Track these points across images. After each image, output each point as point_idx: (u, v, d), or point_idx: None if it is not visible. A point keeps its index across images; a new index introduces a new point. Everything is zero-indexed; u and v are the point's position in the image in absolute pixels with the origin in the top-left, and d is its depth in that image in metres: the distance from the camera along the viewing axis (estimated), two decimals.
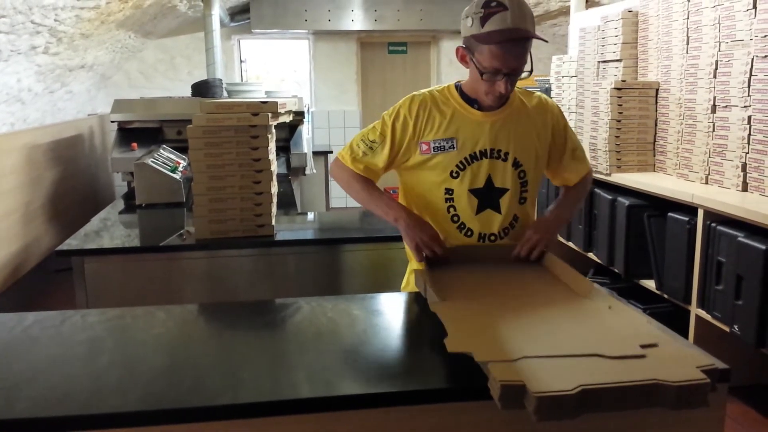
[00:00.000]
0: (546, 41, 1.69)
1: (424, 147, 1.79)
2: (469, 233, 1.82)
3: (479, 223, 1.81)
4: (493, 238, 1.83)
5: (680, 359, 1.22)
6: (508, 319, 1.43)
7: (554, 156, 1.90)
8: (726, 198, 2.83)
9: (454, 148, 1.77)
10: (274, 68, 7.63)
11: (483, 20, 1.63)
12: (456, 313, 1.45)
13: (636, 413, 1.20)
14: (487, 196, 1.80)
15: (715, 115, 3.13)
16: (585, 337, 1.32)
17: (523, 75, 1.72)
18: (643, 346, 1.25)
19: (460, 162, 1.78)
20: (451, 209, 1.81)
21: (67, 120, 5.53)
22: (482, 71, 1.69)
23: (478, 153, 1.78)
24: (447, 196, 1.81)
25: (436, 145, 1.78)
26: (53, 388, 1.26)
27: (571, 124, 4.38)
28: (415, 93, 1.84)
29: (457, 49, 1.75)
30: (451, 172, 1.78)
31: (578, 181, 1.99)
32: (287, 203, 3.44)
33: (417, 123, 1.79)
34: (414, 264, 1.94)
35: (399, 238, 1.88)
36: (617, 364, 1.21)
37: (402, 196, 1.93)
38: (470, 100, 1.79)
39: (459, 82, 1.84)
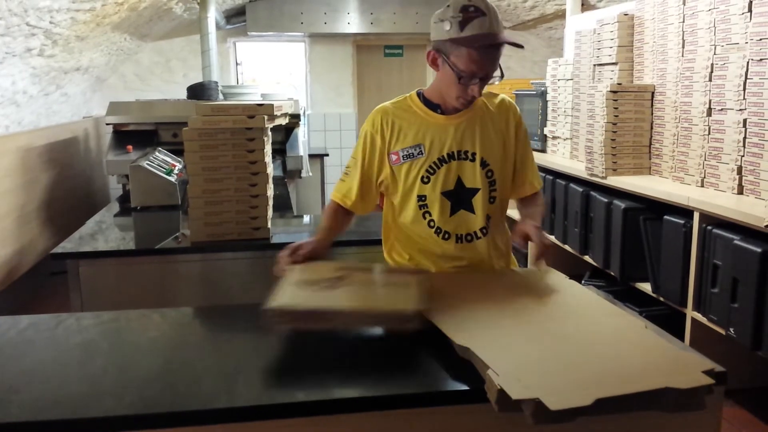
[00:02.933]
0: (521, 47, 1.70)
1: (394, 158, 1.82)
2: (446, 236, 1.83)
3: (454, 224, 1.83)
4: (469, 238, 1.84)
5: (679, 364, 1.22)
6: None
7: (516, 159, 1.90)
8: (722, 201, 2.83)
9: (422, 154, 1.80)
10: (269, 71, 7.62)
11: (462, 24, 1.64)
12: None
13: (633, 415, 1.20)
14: (459, 198, 1.82)
15: (710, 118, 3.14)
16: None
17: (495, 81, 1.74)
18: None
19: (430, 167, 1.80)
20: (426, 215, 1.83)
21: (62, 122, 5.52)
22: (460, 74, 1.70)
23: (446, 156, 1.80)
24: (420, 203, 1.82)
25: (405, 153, 1.81)
26: (48, 392, 1.26)
27: (567, 126, 4.40)
28: (377, 108, 1.87)
29: (428, 53, 1.76)
30: (422, 177, 1.80)
31: (533, 195, 1.96)
32: (283, 206, 3.43)
33: (383, 136, 1.82)
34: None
35: None
36: (616, 370, 1.20)
37: (385, 206, 1.95)
38: (432, 106, 1.82)
39: (421, 89, 1.87)
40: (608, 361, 1.25)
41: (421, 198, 1.81)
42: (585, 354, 1.29)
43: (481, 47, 1.65)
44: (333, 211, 1.92)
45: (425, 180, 1.80)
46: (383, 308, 1.43)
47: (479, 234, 1.84)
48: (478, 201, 1.82)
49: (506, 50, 1.70)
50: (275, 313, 1.37)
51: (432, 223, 1.82)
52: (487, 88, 1.80)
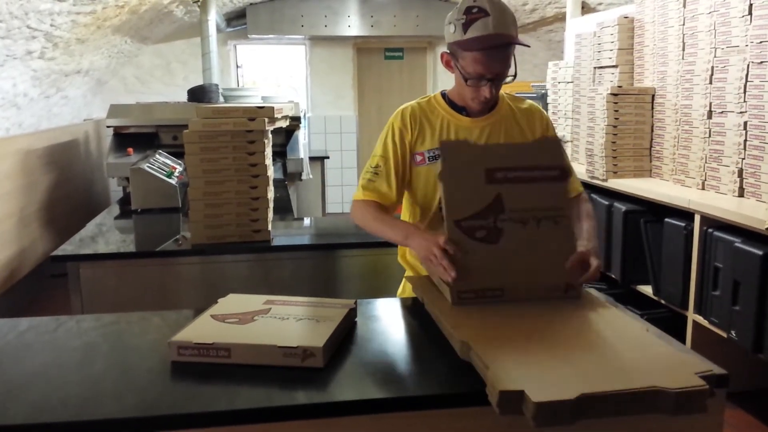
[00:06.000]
0: (528, 46, 1.69)
1: (419, 158, 1.80)
2: None
3: None
4: None
5: (679, 365, 1.22)
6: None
7: None
8: (722, 203, 2.83)
9: None
10: (270, 73, 7.63)
11: (465, 26, 1.63)
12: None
13: (634, 419, 1.19)
14: None
15: (711, 120, 3.14)
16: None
17: (508, 79, 1.72)
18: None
19: None
20: None
21: (63, 125, 5.52)
22: (467, 77, 1.69)
23: None
24: (441, 204, 1.80)
25: (430, 155, 1.79)
26: (48, 394, 1.26)
27: (568, 129, 4.40)
28: (403, 106, 1.84)
29: (442, 55, 1.76)
30: None
31: (580, 201, 1.87)
32: (283, 208, 3.43)
33: (412, 134, 1.80)
34: (409, 271, 1.94)
35: (394, 244, 1.87)
36: (616, 371, 1.20)
37: (403, 209, 1.94)
38: (458, 108, 1.80)
39: (445, 90, 1.85)
40: (602, 360, 1.25)
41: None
42: (580, 353, 1.29)
43: (484, 49, 1.63)
44: (376, 208, 1.80)
45: None
46: (275, 344, 1.35)
47: None
48: None
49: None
50: (177, 346, 1.38)
51: None
52: (508, 89, 1.80)
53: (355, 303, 1.62)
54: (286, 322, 1.50)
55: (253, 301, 1.62)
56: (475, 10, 1.62)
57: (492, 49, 1.63)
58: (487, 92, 1.70)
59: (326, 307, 1.58)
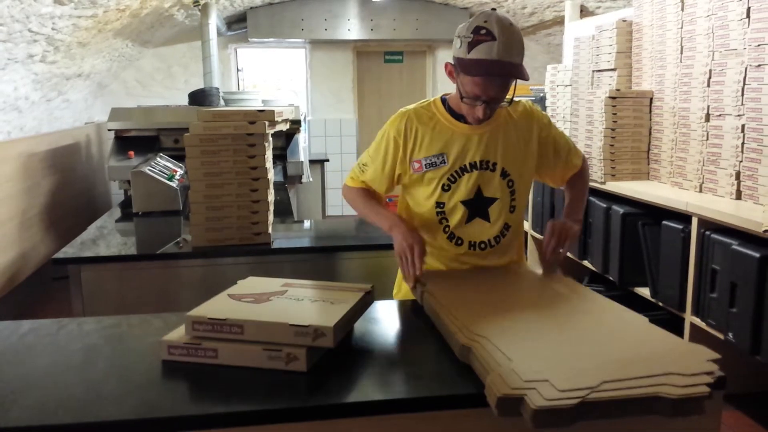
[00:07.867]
0: (527, 80, 1.68)
1: (416, 165, 1.81)
2: (459, 242, 1.84)
3: (469, 232, 1.83)
4: (483, 246, 1.84)
5: (688, 353, 1.26)
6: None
7: (546, 163, 1.90)
8: (720, 206, 2.84)
9: (445, 162, 1.79)
10: (270, 77, 7.65)
11: (470, 46, 1.62)
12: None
13: (632, 420, 1.20)
14: (476, 206, 1.82)
15: (708, 123, 3.15)
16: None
17: (503, 104, 1.74)
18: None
19: (451, 175, 1.80)
20: (443, 221, 1.83)
21: (64, 128, 5.53)
22: (463, 95, 1.70)
23: (468, 165, 1.79)
24: (438, 209, 1.82)
25: (428, 162, 1.80)
26: (49, 396, 1.26)
27: (566, 132, 4.40)
28: (402, 110, 1.85)
29: (446, 65, 1.76)
30: (443, 185, 1.80)
31: (576, 174, 1.98)
32: (284, 211, 3.44)
33: (406, 141, 1.81)
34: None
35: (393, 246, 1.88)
36: (623, 367, 1.21)
37: (399, 210, 1.96)
38: (457, 115, 1.81)
39: (445, 95, 1.85)
40: (613, 351, 1.28)
41: (440, 205, 1.82)
42: (591, 346, 1.31)
43: (482, 75, 1.63)
44: (366, 193, 1.93)
45: (446, 188, 1.80)
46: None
47: (493, 242, 1.84)
48: (494, 210, 1.82)
49: None
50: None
51: (447, 229, 1.83)
52: None
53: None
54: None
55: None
56: (483, 32, 1.61)
57: (491, 74, 1.63)
58: (481, 113, 1.70)
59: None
